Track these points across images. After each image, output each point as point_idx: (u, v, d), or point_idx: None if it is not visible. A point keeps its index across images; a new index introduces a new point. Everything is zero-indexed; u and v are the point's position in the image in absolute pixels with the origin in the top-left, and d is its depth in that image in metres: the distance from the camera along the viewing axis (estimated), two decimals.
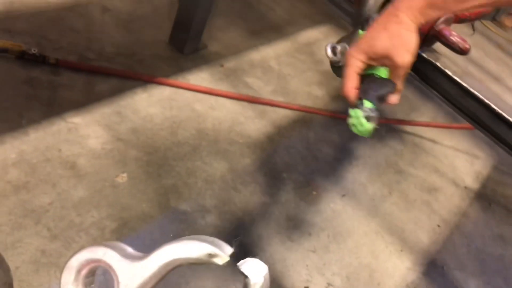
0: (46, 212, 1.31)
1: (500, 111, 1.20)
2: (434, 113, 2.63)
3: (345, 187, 1.91)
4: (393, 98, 0.85)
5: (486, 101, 1.22)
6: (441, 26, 1.32)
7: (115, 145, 1.58)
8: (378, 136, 2.27)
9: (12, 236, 1.23)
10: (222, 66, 2.15)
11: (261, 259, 1.28)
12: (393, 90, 0.84)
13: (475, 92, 1.23)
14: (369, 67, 0.84)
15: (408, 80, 0.92)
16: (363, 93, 0.83)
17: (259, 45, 2.41)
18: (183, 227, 1.46)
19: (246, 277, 0.39)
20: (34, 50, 1.65)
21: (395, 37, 0.76)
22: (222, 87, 2.03)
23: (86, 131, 1.58)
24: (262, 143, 1.90)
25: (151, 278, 0.38)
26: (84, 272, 0.39)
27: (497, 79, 3.37)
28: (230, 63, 2.19)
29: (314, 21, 2.82)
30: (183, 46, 2.05)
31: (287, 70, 2.36)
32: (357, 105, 0.83)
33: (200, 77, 2.02)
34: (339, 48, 1.08)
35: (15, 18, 1.83)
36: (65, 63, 1.72)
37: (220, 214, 1.55)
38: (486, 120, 1.25)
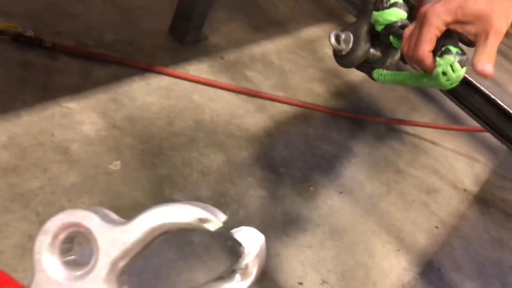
0: (35, 197, 1.28)
1: (507, 108, 1.17)
2: (435, 115, 2.61)
3: (343, 184, 1.88)
4: (485, 66, 0.71)
5: (493, 97, 1.19)
6: None
7: (110, 132, 1.55)
8: (378, 135, 2.24)
9: None
10: (222, 58, 2.12)
11: None
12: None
13: (483, 88, 1.20)
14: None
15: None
16: (444, 40, 0.74)
17: (261, 40, 2.38)
18: None
19: (240, 245, 0.35)
20: (30, 33, 1.61)
21: (495, 1, 0.69)
22: (222, 79, 2.00)
23: (81, 117, 1.54)
24: (260, 137, 1.87)
25: (135, 244, 0.35)
26: (61, 237, 0.36)
27: (498, 85, 3.35)
28: (230, 56, 2.15)
29: (316, 19, 2.79)
30: (183, 36, 2.02)
31: (288, 65, 2.33)
32: (441, 53, 0.73)
33: (199, 68, 1.98)
34: (343, 36, 1.05)
35: (13, 0, 1.79)
36: (62, 47, 1.68)
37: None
38: (493, 117, 1.22)
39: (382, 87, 2.52)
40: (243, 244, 0.35)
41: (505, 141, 1.24)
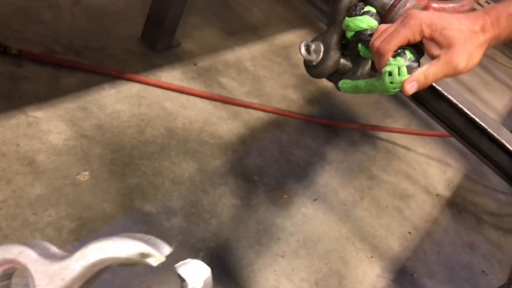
0: None
1: (474, 117, 1.18)
2: (408, 120, 2.64)
3: (317, 191, 1.88)
4: (411, 82, 0.75)
5: (460, 106, 1.20)
6: None
7: (78, 142, 1.51)
8: (351, 141, 2.25)
9: None
10: (195, 64, 2.10)
11: (228, 264, 1.24)
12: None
13: (450, 97, 1.21)
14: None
15: None
16: (406, 47, 0.76)
17: (235, 46, 2.37)
18: (147, 229, 1.40)
19: (183, 280, 0.34)
20: None
21: (471, 45, 0.72)
22: (195, 86, 1.98)
23: (48, 126, 1.50)
24: (234, 145, 1.85)
25: (74, 280, 0.33)
26: None
27: (469, 89, 3.41)
28: (204, 62, 2.14)
29: (291, 25, 2.79)
30: (155, 42, 1.99)
31: (263, 72, 2.32)
32: (396, 55, 0.75)
33: (172, 75, 1.96)
34: (313, 46, 1.04)
35: None
36: (29, 54, 1.64)
37: (186, 216, 1.49)
38: (460, 126, 1.24)
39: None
40: (186, 279, 0.34)
41: (473, 149, 1.26)
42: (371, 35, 0.94)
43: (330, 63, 1.04)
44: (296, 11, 2.92)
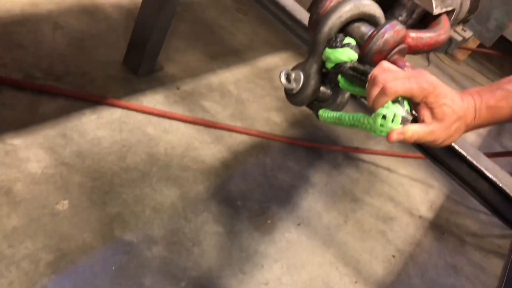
0: None
1: (453, 144, 1.20)
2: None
3: (301, 215, 1.87)
4: (397, 136, 0.76)
5: None
6: (395, 57, 1.31)
7: (58, 170, 1.48)
8: (334, 163, 2.26)
9: None
10: (178, 88, 2.09)
11: None
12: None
13: None
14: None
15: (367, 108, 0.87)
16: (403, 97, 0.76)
17: (218, 69, 2.37)
18: (127, 259, 1.37)
19: None
20: None
21: (455, 129, 0.77)
22: (178, 110, 1.97)
23: (26, 154, 1.47)
24: (217, 169, 1.84)
25: None
26: None
27: None
28: (187, 86, 2.13)
29: (274, 48, 2.82)
30: (137, 67, 1.98)
31: (246, 95, 2.33)
32: (395, 101, 0.75)
33: (154, 100, 1.95)
34: (293, 75, 1.05)
35: None
36: (7, 80, 1.61)
37: (168, 245, 1.47)
38: (440, 153, 1.25)
39: None
40: None
41: (453, 176, 1.27)
42: (351, 67, 0.95)
43: (309, 91, 1.04)
44: (279, 35, 2.95)
